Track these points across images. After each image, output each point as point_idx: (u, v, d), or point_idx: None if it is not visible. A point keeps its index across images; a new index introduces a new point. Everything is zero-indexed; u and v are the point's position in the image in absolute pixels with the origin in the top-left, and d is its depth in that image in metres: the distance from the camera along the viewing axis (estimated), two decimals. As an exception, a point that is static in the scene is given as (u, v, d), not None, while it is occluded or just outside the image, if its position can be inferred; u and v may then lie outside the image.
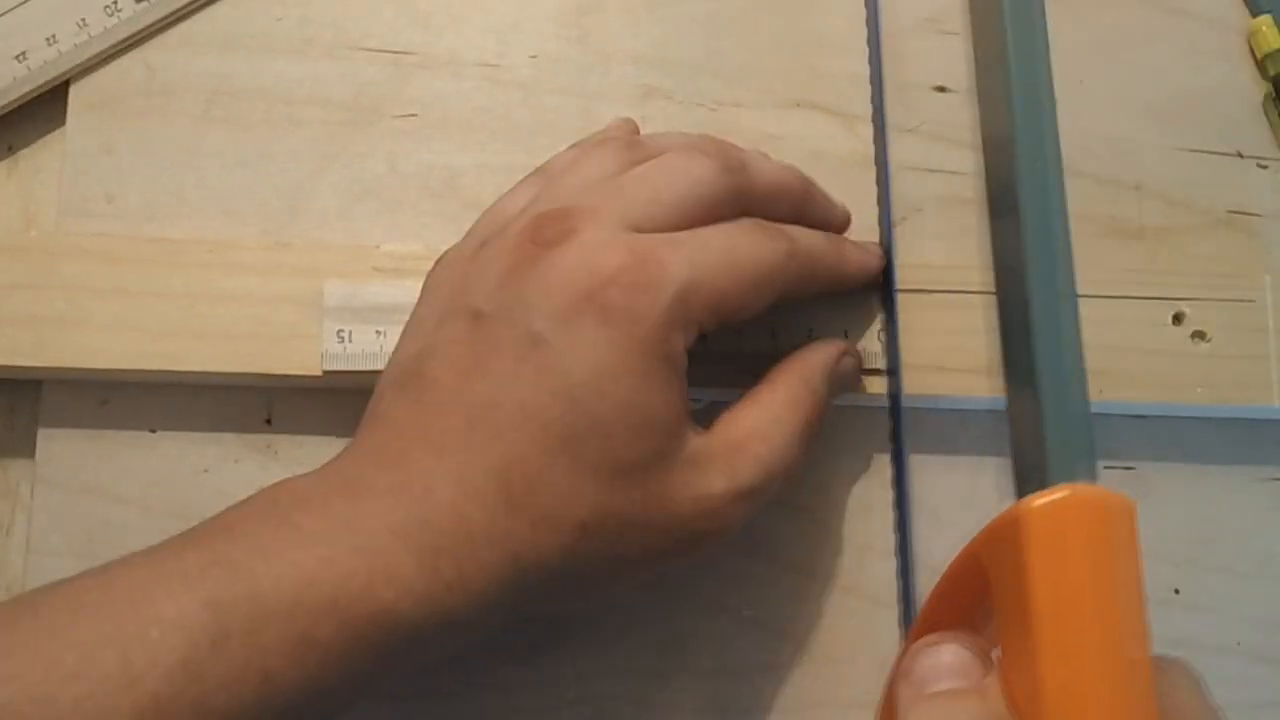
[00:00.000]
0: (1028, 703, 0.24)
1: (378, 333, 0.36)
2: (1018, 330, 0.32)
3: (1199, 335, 0.38)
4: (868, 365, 0.37)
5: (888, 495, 0.38)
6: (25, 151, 0.39)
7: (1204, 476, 0.39)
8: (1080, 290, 0.37)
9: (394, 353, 0.33)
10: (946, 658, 0.26)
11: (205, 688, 0.25)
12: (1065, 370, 0.31)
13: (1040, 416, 0.30)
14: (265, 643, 0.26)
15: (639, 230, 0.31)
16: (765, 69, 0.40)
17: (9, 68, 0.38)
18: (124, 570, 0.27)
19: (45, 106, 0.39)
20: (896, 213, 0.39)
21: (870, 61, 0.40)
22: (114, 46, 0.39)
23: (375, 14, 0.40)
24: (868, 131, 0.40)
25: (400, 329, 0.33)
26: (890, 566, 0.37)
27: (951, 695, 0.26)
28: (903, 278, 0.37)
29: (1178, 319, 0.38)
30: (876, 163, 0.39)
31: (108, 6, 0.38)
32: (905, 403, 0.37)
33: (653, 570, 0.31)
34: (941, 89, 0.41)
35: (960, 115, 0.40)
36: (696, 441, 0.31)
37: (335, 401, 0.37)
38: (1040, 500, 0.25)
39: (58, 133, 0.39)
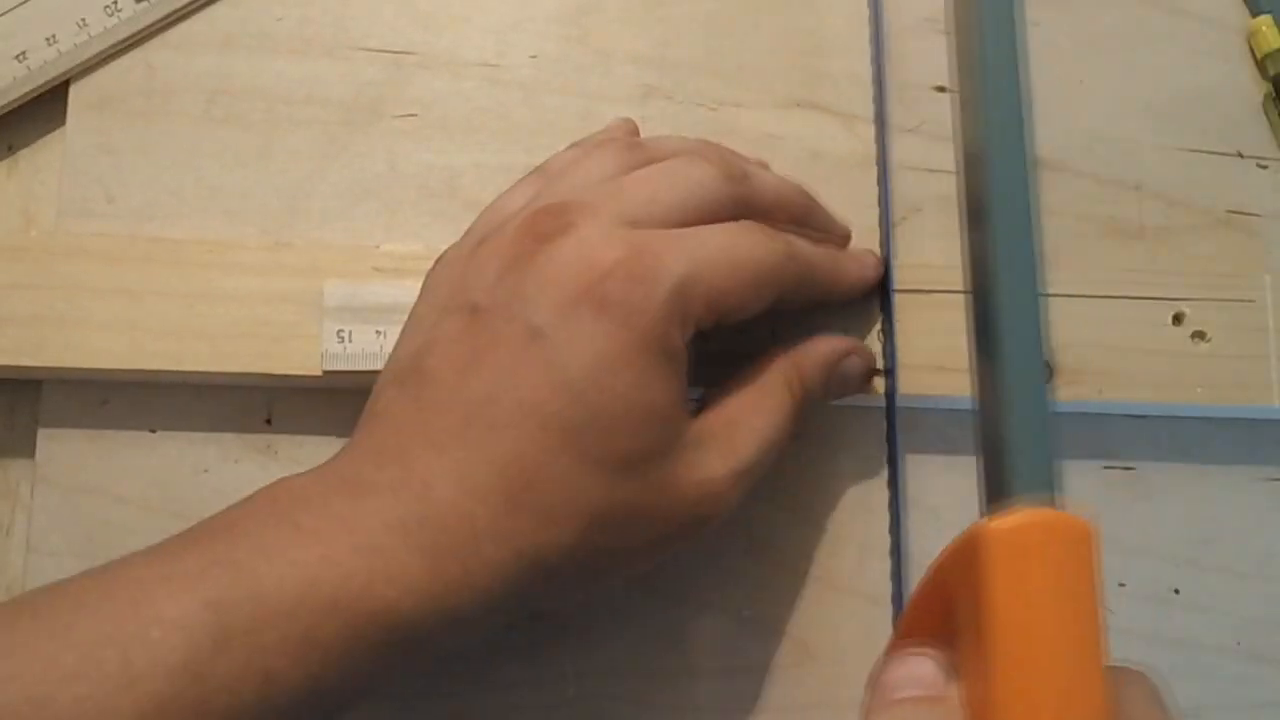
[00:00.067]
0: (982, 713, 0.25)
1: (378, 333, 0.36)
2: (984, 335, 0.33)
3: (1199, 335, 0.38)
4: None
5: (886, 495, 0.38)
6: (25, 151, 0.39)
7: (1204, 476, 0.39)
8: (1080, 290, 0.38)
9: (393, 350, 0.33)
10: (913, 668, 0.27)
11: (207, 688, 0.25)
12: (1029, 375, 0.32)
13: (1003, 422, 0.31)
14: (267, 643, 0.26)
15: (637, 227, 0.31)
16: (765, 69, 0.40)
17: (9, 68, 0.38)
18: (124, 570, 0.27)
19: (45, 106, 0.39)
20: (896, 213, 0.39)
21: (873, 61, 0.40)
22: (114, 46, 0.39)
23: (375, 14, 0.40)
24: (868, 131, 0.40)
25: (400, 329, 0.33)
26: (889, 566, 0.37)
27: (914, 702, 0.27)
28: (902, 278, 0.37)
29: (1178, 319, 0.38)
30: (877, 163, 0.39)
31: (108, 6, 0.38)
32: (905, 403, 0.37)
33: (652, 560, 0.32)
34: (941, 89, 0.40)
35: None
36: (693, 426, 0.31)
37: (335, 401, 0.37)
38: (998, 523, 0.26)
39: (58, 133, 0.39)
